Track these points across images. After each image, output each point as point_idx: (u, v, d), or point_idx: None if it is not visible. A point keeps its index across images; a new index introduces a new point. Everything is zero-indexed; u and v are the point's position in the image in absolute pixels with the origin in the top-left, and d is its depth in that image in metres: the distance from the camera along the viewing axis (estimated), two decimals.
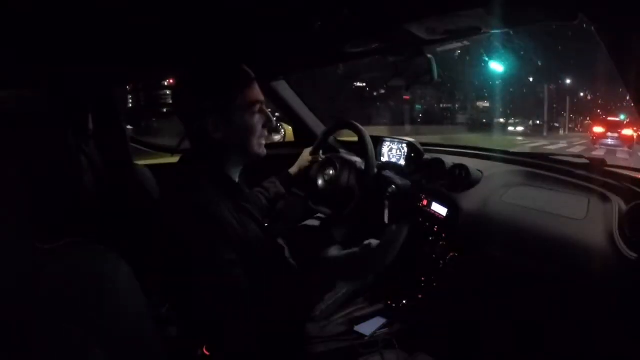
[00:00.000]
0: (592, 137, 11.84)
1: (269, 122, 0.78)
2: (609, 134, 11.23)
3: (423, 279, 1.25)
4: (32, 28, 0.72)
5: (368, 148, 1.16)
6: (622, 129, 11.08)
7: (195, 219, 0.66)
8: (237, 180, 0.81)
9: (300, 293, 0.78)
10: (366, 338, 0.98)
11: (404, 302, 1.21)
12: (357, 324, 1.03)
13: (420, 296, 1.23)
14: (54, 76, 1.02)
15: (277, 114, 1.92)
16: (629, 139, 10.71)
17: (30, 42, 0.79)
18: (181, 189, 0.72)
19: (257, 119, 0.76)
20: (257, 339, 0.67)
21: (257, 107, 0.75)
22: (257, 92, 0.76)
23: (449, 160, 1.25)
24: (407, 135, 1.49)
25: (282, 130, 1.81)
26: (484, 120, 40.48)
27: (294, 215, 1.44)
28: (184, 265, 0.66)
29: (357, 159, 1.33)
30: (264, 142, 0.79)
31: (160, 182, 1.01)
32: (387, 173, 1.33)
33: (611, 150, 10.06)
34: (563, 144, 13.37)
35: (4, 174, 0.73)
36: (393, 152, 1.47)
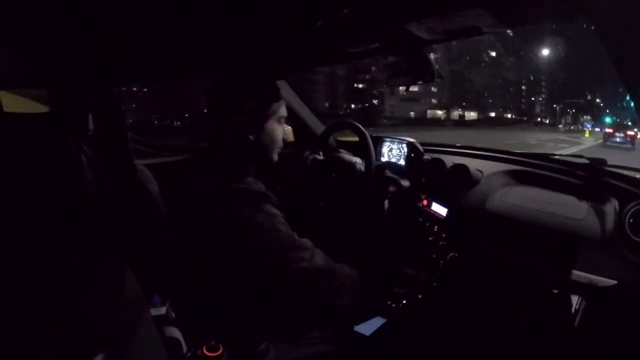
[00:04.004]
0: (604, 134, 16.63)
1: (285, 134, 0.89)
2: (617, 133, 15.42)
3: None
4: (34, 28, 0.72)
5: (368, 148, 1.16)
6: (627, 129, 15.45)
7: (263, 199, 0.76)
8: None
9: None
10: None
11: (404, 302, 1.21)
12: (357, 324, 1.02)
13: (420, 296, 1.23)
14: (54, 76, 1.02)
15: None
16: (632, 137, 14.76)
17: (31, 41, 0.79)
18: (239, 178, 0.78)
19: (281, 130, 0.87)
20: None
21: (283, 119, 0.87)
22: (284, 108, 0.87)
23: (449, 160, 1.25)
24: None
25: None
26: (412, 114, 31.58)
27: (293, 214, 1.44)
28: (245, 246, 0.73)
29: (357, 159, 1.33)
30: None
31: (164, 180, 1.02)
32: (387, 173, 1.33)
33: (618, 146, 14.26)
34: None
35: (6, 174, 0.73)
36: (393, 152, 1.47)
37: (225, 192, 0.75)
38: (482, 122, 33.76)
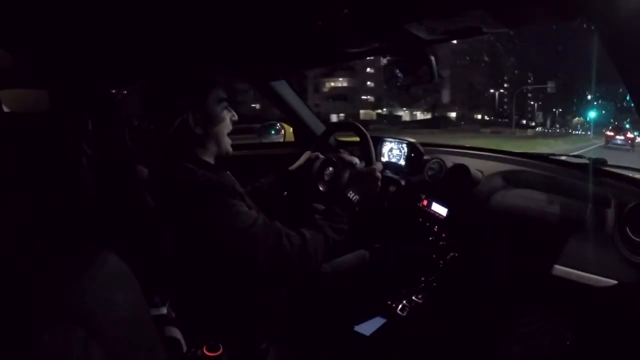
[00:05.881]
0: (606, 137, 17.94)
1: (233, 117, 0.90)
2: (617, 136, 16.78)
3: (423, 279, 1.25)
4: (34, 28, 0.72)
5: (369, 148, 1.16)
6: (626, 132, 17.09)
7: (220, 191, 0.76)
8: None
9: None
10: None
11: (404, 302, 1.21)
12: (357, 324, 1.03)
13: (420, 296, 1.24)
14: (55, 76, 1.02)
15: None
16: (632, 139, 16.20)
17: (30, 41, 0.79)
18: (191, 173, 0.78)
19: (226, 113, 0.87)
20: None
21: (224, 103, 0.87)
22: (222, 91, 0.87)
23: (449, 160, 1.25)
24: None
25: (282, 131, 1.81)
26: (341, 116, 24.77)
27: (292, 214, 1.44)
28: (218, 234, 0.74)
29: (357, 159, 1.33)
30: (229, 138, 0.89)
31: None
32: (387, 173, 1.33)
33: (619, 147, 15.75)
34: None
35: (6, 174, 0.73)
36: (393, 152, 1.47)
37: (178, 190, 0.77)
38: (406, 124, 27.83)
